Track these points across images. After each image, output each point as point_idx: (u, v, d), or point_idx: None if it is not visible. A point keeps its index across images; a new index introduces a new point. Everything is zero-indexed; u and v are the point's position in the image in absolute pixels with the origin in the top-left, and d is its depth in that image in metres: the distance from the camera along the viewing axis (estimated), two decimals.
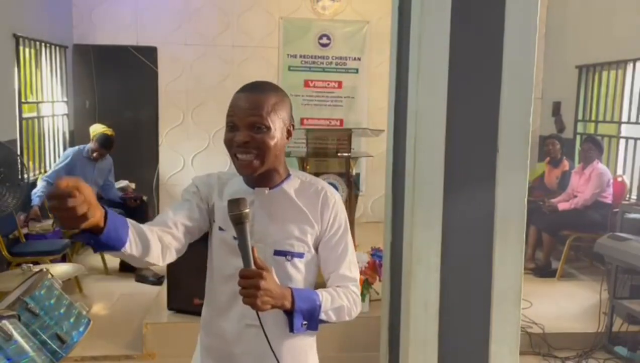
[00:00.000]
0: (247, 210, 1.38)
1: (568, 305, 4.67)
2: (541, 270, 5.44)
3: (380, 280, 3.73)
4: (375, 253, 3.91)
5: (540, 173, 6.26)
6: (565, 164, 6.05)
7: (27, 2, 5.44)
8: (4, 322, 1.82)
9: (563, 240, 5.44)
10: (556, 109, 6.82)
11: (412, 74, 2.13)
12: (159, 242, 1.43)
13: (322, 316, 1.50)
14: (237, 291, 1.38)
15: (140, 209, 5.56)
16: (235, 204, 1.38)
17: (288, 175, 1.61)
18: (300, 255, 1.56)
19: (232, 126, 1.50)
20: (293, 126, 1.58)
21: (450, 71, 2.05)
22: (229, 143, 1.50)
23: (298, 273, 1.56)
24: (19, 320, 1.97)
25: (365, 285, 3.89)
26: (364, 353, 3.81)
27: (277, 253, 1.55)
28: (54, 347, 2.20)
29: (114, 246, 1.30)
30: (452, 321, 2.13)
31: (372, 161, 6.53)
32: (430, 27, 2.04)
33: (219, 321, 1.59)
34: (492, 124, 2.08)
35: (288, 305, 1.44)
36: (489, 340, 2.10)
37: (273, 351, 1.45)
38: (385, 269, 2.72)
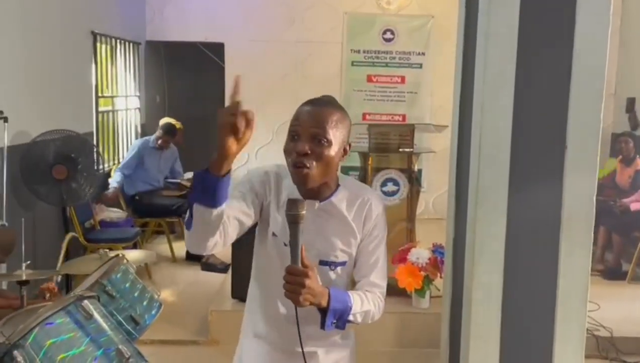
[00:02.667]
0: (304, 212, 1.43)
1: (638, 308, 4.50)
2: (610, 272, 5.26)
3: (441, 277, 3.71)
4: (437, 250, 3.89)
5: (612, 169, 6.03)
6: (639, 163, 5.80)
7: (104, 0, 5.71)
8: (86, 302, 1.95)
9: (635, 242, 5.23)
10: (630, 105, 6.54)
11: (479, 69, 2.12)
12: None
13: (350, 317, 1.57)
14: (282, 292, 1.45)
15: None
16: (294, 205, 1.43)
17: (337, 186, 1.65)
18: (343, 264, 1.65)
19: (294, 136, 1.54)
20: (350, 146, 1.62)
21: (517, 66, 2.03)
22: (289, 152, 1.54)
23: (339, 278, 1.65)
24: (98, 300, 2.11)
25: (426, 281, 3.88)
26: (423, 350, 3.81)
27: (322, 263, 1.63)
28: (129, 328, 2.33)
29: (219, 199, 1.36)
30: (514, 318, 2.12)
31: (435, 157, 6.46)
32: (498, 21, 2.03)
33: (274, 319, 1.66)
34: (561, 120, 2.04)
35: (324, 303, 1.50)
36: (553, 339, 2.07)
37: (302, 347, 1.53)
38: (447, 265, 2.71)
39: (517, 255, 2.10)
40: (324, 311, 1.51)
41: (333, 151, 1.53)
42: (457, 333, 2.41)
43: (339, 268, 1.64)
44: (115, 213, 5.20)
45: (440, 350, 2.74)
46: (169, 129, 5.67)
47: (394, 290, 3.94)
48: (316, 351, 1.67)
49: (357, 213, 1.64)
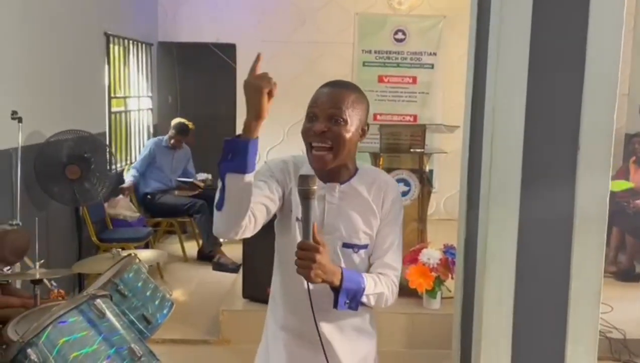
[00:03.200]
0: (315, 187, 1.44)
1: None
2: (624, 273, 5.21)
3: (452, 277, 3.70)
4: (448, 250, 3.88)
5: (627, 187, 5.94)
6: None
7: (117, 2, 5.76)
8: (98, 300, 1.97)
9: None
10: None
11: (491, 69, 2.11)
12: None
13: (364, 299, 1.57)
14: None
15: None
16: (305, 180, 1.44)
17: (356, 170, 1.68)
18: (365, 246, 1.66)
19: (311, 117, 1.57)
20: (368, 126, 1.64)
21: (530, 66, 2.02)
22: (307, 132, 1.57)
23: (362, 263, 1.66)
24: (111, 299, 2.13)
25: (437, 282, 3.87)
26: (434, 351, 3.80)
27: (345, 245, 1.64)
28: (141, 327, 2.35)
29: (250, 163, 1.40)
30: (526, 319, 2.11)
31: (446, 157, 6.44)
32: (510, 21, 2.02)
33: (294, 304, 1.65)
34: (574, 120, 2.03)
35: (337, 282, 1.50)
36: (565, 340, 2.06)
37: (317, 325, 1.54)
38: (459, 266, 2.70)
39: (529, 256, 2.09)
40: (336, 291, 1.52)
41: (349, 130, 1.55)
42: (468, 335, 2.40)
43: (362, 251, 1.65)
44: (127, 211, 5.23)
45: (452, 351, 2.73)
46: (182, 129, 5.72)
47: (405, 291, 3.94)
48: (335, 340, 1.65)
49: (376, 195, 1.66)
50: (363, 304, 1.59)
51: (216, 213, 1.46)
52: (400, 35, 6.96)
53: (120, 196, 5.23)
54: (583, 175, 2.03)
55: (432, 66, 6.99)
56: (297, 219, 1.60)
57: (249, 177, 1.41)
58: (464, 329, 2.57)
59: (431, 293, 3.90)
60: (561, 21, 2.02)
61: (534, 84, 2.03)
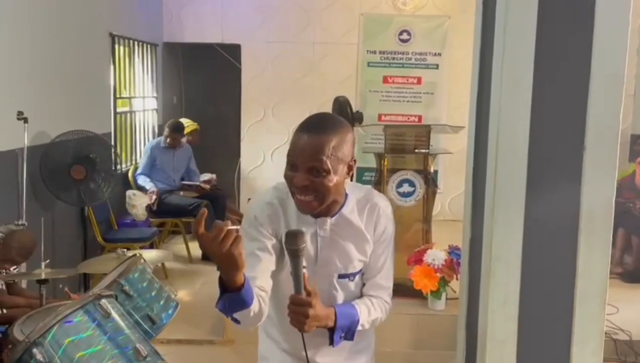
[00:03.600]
0: (303, 245, 1.43)
1: None
2: (630, 274, 5.19)
3: (457, 278, 3.70)
4: (453, 251, 3.87)
5: (630, 171, 5.94)
6: None
7: (122, 2, 5.77)
8: (104, 300, 1.97)
9: None
10: None
11: (496, 69, 2.11)
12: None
13: (359, 328, 1.60)
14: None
15: (220, 200, 5.76)
16: (293, 238, 1.42)
17: (345, 196, 1.63)
18: (360, 271, 1.67)
19: (292, 166, 1.51)
20: (355, 161, 1.58)
21: (535, 66, 2.01)
22: (289, 181, 1.53)
23: (357, 285, 1.68)
24: (116, 299, 2.13)
25: (442, 282, 3.86)
26: (438, 351, 3.79)
27: (341, 276, 1.64)
28: (146, 327, 2.36)
29: (248, 301, 1.39)
30: (532, 320, 2.10)
31: (451, 158, 6.43)
32: (515, 21, 2.01)
33: (291, 335, 1.63)
34: (580, 121, 2.02)
35: (331, 324, 1.54)
36: (571, 343, 2.05)
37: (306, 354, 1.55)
38: (464, 267, 2.70)
39: (535, 257, 2.09)
40: (331, 330, 1.55)
41: (332, 179, 1.49)
42: (473, 336, 2.39)
43: (357, 277, 1.66)
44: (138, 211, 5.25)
45: (457, 352, 2.72)
46: (175, 127, 5.70)
47: (409, 291, 3.94)
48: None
49: (368, 219, 1.64)
50: (358, 332, 1.62)
51: (234, 322, 1.47)
52: (405, 36, 6.96)
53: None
54: (589, 176, 2.03)
55: (437, 67, 6.98)
56: (304, 267, 1.57)
57: (253, 305, 1.41)
58: (468, 330, 2.56)
59: (436, 294, 3.90)
60: (567, 21, 2.01)
61: (540, 84, 2.02)
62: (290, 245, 1.43)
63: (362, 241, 1.63)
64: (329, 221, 1.60)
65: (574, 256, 2.06)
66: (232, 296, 1.36)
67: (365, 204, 1.64)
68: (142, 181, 5.53)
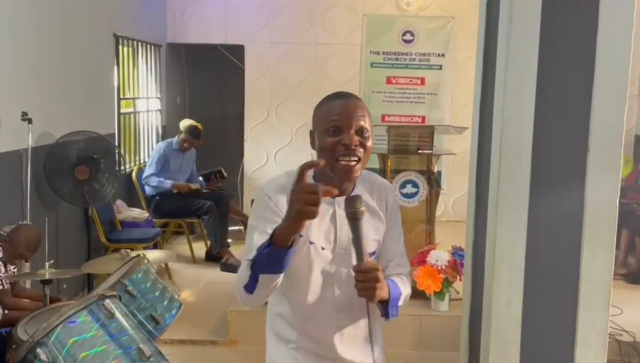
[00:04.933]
0: (363, 208, 1.43)
1: None
2: (633, 276, 5.17)
3: (460, 279, 3.69)
4: (456, 252, 3.87)
5: (628, 171, 5.91)
6: None
7: (126, 3, 5.79)
8: (107, 301, 1.98)
9: None
10: None
11: (500, 70, 2.10)
12: None
13: (400, 303, 1.61)
14: (325, 296, 1.54)
15: (223, 201, 5.76)
16: (353, 202, 1.43)
17: None
18: (374, 253, 1.65)
19: (335, 130, 1.51)
20: None
21: (539, 67, 2.01)
22: (332, 147, 1.51)
23: None
24: (120, 300, 2.14)
25: (446, 283, 3.86)
26: (442, 353, 3.79)
27: None
28: (149, 327, 2.36)
29: (286, 266, 1.38)
30: (535, 322, 2.10)
31: (454, 159, 6.43)
32: (519, 21, 2.01)
33: (308, 324, 1.62)
34: (583, 121, 2.02)
35: (387, 295, 1.52)
36: (574, 343, 2.05)
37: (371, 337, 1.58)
38: (467, 268, 2.70)
39: (538, 258, 2.08)
40: (384, 303, 1.53)
41: (371, 140, 1.55)
42: (476, 337, 2.39)
43: (372, 258, 1.63)
44: (135, 213, 5.26)
45: (460, 353, 2.72)
46: (195, 132, 5.72)
47: (413, 292, 3.92)
48: (353, 355, 1.65)
49: (379, 199, 1.66)
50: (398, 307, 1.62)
51: (243, 292, 1.44)
52: (408, 37, 6.95)
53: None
54: (592, 177, 2.02)
55: (440, 67, 6.98)
56: (311, 242, 1.57)
57: (281, 277, 1.41)
58: (472, 331, 2.56)
59: (439, 295, 3.89)
60: (571, 22, 2.01)
61: (543, 85, 2.02)
62: (350, 208, 1.42)
63: (376, 220, 1.64)
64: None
65: (577, 257, 2.06)
66: (279, 251, 1.34)
67: (373, 185, 1.66)
68: (157, 182, 5.53)
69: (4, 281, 3.06)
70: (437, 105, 7.03)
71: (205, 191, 5.86)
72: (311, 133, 1.61)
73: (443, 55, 6.95)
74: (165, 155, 5.64)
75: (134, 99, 6.10)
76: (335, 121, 1.52)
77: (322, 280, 1.58)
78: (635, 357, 3.81)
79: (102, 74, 5.25)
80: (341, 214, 1.57)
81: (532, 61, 2.01)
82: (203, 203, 5.47)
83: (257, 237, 1.49)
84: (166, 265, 5.01)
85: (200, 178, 6.09)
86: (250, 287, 1.42)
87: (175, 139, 5.76)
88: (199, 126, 5.81)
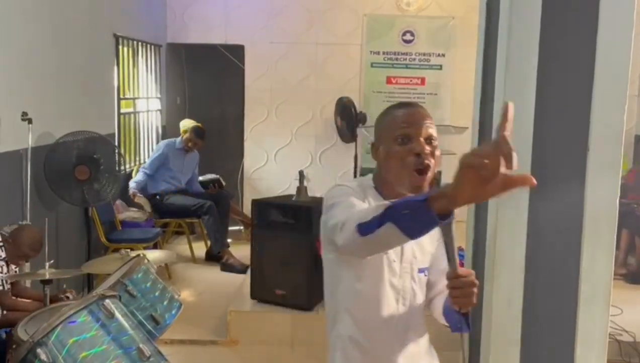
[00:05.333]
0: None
1: None
2: (633, 275, 5.17)
3: None
4: None
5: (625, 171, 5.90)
6: None
7: (126, 3, 5.78)
8: (107, 301, 1.98)
9: None
10: None
11: (500, 70, 2.10)
12: None
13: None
14: (392, 313, 1.49)
15: (224, 201, 5.77)
16: None
17: None
18: (427, 269, 1.60)
19: (403, 139, 1.48)
20: None
21: (539, 68, 2.01)
22: (403, 155, 1.46)
23: (424, 285, 1.62)
24: (120, 300, 2.14)
25: None
26: (442, 352, 3.75)
27: (420, 270, 1.58)
28: (149, 327, 2.36)
29: (421, 234, 1.23)
30: (536, 322, 2.10)
31: (455, 159, 6.42)
32: (520, 22, 2.01)
33: (374, 343, 1.56)
34: (584, 122, 2.02)
35: None
36: (575, 343, 2.05)
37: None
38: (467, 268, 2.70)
39: (538, 258, 2.08)
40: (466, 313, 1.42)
41: (440, 150, 1.51)
42: (477, 337, 2.39)
43: (427, 272, 1.60)
44: (136, 213, 5.26)
45: (460, 354, 2.72)
46: (200, 133, 5.76)
47: None
48: None
49: None
50: None
51: (356, 234, 1.27)
52: (408, 37, 6.95)
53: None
54: (593, 177, 2.03)
55: (440, 67, 6.97)
56: (394, 260, 1.52)
57: (406, 241, 1.28)
58: (472, 331, 2.56)
59: None
60: (571, 22, 2.01)
61: (544, 85, 2.02)
62: None
63: (430, 233, 1.55)
64: None
65: (577, 257, 2.06)
66: (428, 213, 1.15)
67: None
68: (134, 179, 5.53)
69: (4, 282, 3.06)
70: (437, 105, 7.02)
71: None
72: (373, 145, 1.57)
73: (443, 55, 6.95)
74: (165, 154, 5.65)
75: (134, 99, 6.10)
76: (403, 129, 1.48)
77: (391, 295, 1.53)
78: (635, 357, 3.81)
79: (102, 74, 5.25)
80: None
81: (532, 62, 2.01)
82: (203, 202, 5.48)
83: (353, 201, 1.41)
84: (166, 265, 5.01)
85: (207, 176, 6.09)
86: (366, 228, 1.24)
87: (178, 139, 5.78)
88: (198, 125, 5.83)
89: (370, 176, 1.60)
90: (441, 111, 7.01)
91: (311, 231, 3.76)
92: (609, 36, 1.97)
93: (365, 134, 5.82)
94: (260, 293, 4.07)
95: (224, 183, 6.11)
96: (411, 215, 1.18)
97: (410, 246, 1.52)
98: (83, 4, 4.75)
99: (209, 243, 5.67)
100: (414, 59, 6.97)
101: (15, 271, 3.19)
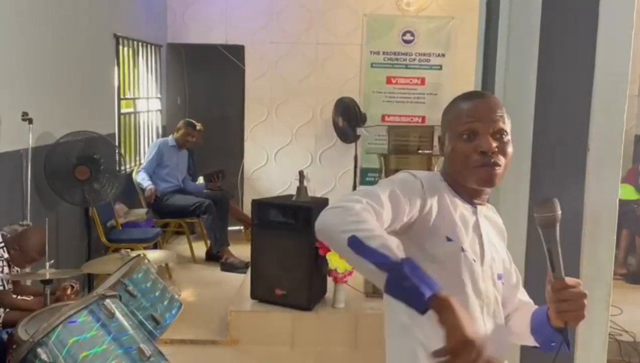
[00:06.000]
0: (559, 212, 1.24)
1: None
2: (633, 275, 5.17)
3: None
4: None
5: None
6: None
7: (126, 3, 5.79)
8: (108, 301, 1.98)
9: None
10: None
11: (500, 70, 2.11)
12: None
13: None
14: (479, 323, 1.31)
15: (223, 201, 5.77)
16: (549, 205, 1.24)
17: None
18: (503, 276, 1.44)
19: (469, 135, 1.32)
20: None
21: (539, 68, 2.01)
22: (466, 154, 1.32)
23: (500, 291, 1.44)
24: (120, 300, 2.14)
25: None
26: None
27: (499, 276, 1.42)
28: (150, 327, 2.37)
29: (426, 290, 1.08)
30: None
31: None
32: (519, 22, 2.01)
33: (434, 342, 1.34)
34: (583, 122, 2.02)
35: None
36: (575, 344, 2.05)
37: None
38: None
39: (539, 258, 2.08)
40: (562, 330, 1.31)
41: (512, 146, 1.34)
42: None
43: (500, 282, 1.42)
44: (137, 215, 5.26)
45: None
46: (191, 123, 5.85)
47: None
48: None
49: (498, 214, 1.48)
50: None
51: (344, 240, 1.11)
52: (408, 37, 6.95)
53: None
54: (593, 176, 2.03)
55: (440, 67, 6.98)
56: (463, 249, 1.32)
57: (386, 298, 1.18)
58: None
59: None
60: (571, 22, 2.01)
61: (543, 85, 2.02)
62: (546, 211, 1.23)
63: (503, 237, 1.47)
64: (484, 211, 1.40)
65: (577, 257, 2.06)
66: (421, 303, 1.05)
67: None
68: (141, 178, 5.55)
69: (4, 282, 3.06)
70: (437, 105, 7.01)
71: (205, 191, 5.88)
72: (440, 139, 1.43)
73: (443, 55, 6.95)
74: (160, 151, 5.68)
75: (134, 99, 6.10)
76: (469, 123, 1.32)
77: (474, 299, 1.33)
78: (635, 357, 3.81)
79: (103, 74, 5.25)
80: (485, 225, 1.39)
81: (532, 62, 2.01)
82: (202, 201, 5.48)
83: (389, 194, 1.22)
84: (166, 265, 5.01)
85: (201, 179, 6.10)
86: (360, 248, 1.09)
87: (170, 137, 5.82)
88: (196, 124, 5.87)
89: (437, 171, 1.46)
90: (441, 111, 6.92)
91: (311, 231, 3.74)
92: (609, 36, 1.97)
93: (366, 134, 5.82)
94: (260, 293, 4.07)
95: (225, 175, 6.13)
96: (408, 289, 1.07)
97: (488, 247, 1.36)
98: (83, 4, 4.75)
99: (209, 242, 5.67)
100: (414, 59, 6.97)
101: (17, 271, 3.19)
